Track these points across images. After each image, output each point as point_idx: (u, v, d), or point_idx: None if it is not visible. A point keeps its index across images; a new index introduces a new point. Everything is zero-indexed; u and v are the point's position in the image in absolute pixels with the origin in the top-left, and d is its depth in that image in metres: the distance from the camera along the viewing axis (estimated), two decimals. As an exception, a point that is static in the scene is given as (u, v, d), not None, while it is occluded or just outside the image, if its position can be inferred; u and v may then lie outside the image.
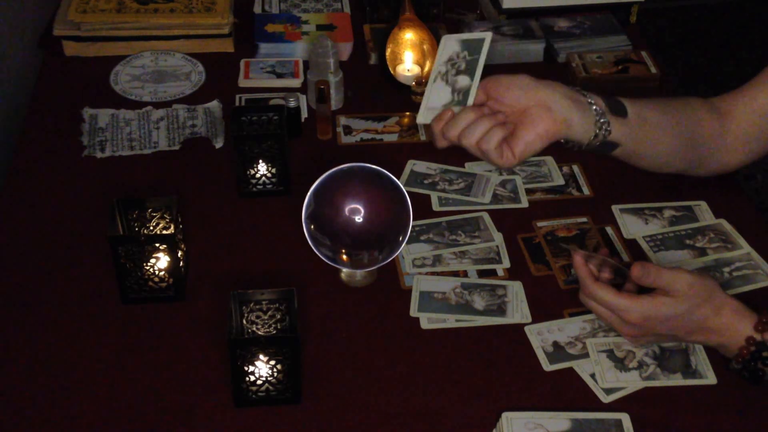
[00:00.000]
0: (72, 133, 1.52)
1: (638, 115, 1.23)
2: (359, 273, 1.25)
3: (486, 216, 1.36)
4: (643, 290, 1.10)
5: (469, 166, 1.46)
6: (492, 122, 1.16)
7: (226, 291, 1.11)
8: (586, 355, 1.15)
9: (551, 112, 1.16)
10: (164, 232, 1.23)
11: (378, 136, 1.53)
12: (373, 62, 1.71)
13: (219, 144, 1.50)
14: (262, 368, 1.08)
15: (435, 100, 1.21)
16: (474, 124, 1.16)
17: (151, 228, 1.24)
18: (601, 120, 1.19)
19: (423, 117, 1.22)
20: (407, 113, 1.58)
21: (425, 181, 1.43)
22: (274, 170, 1.39)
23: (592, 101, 1.20)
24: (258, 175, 1.39)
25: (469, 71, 1.19)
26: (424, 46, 1.62)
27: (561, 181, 1.43)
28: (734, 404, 1.10)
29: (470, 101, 1.18)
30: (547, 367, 1.14)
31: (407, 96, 1.60)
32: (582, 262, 1.12)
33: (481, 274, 1.27)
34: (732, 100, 1.31)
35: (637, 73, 1.63)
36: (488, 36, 1.21)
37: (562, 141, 1.21)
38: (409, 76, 1.62)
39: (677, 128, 1.27)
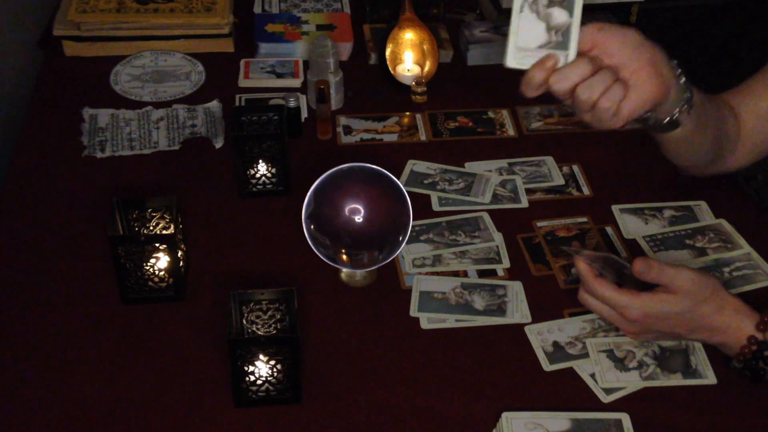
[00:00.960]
0: (72, 133, 1.52)
1: (700, 101, 1.17)
2: (359, 273, 1.25)
3: (486, 216, 1.36)
4: (644, 289, 1.10)
5: (469, 166, 1.46)
6: (612, 77, 1.03)
7: (226, 291, 1.11)
8: (586, 355, 1.15)
9: (660, 76, 1.07)
10: (164, 232, 1.23)
11: (378, 136, 1.53)
12: (373, 62, 1.71)
13: (219, 144, 1.50)
14: (261, 368, 1.08)
15: (526, 38, 1.03)
16: (593, 79, 1.03)
17: (151, 228, 1.24)
18: (688, 94, 1.13)
19: (515, 60, 1.04)
20: (407, 113, 1.58)
21: (425, 181, 1.43)
22: (274, 170, 1.39)
23: (682, 72, 1.12)
24: (258, 175, 1.39)
25: (567, 3, 1.02)
26: (424, 46, 1.62)
27: (561, 181, 1.43)
28: (734, 404, 1.10)
29: (573, 47, 1.03)
30: (547, 367, 1.14)
31: (407, 96, 1.60)
32: (582, 259, 1.11)
33: (481, 274, 1.27)
34: (736, 101, 1.30)
35: (637, 73, 1.63)
36: None
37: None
38: (409, 76, 1.62)
39: (717, 122, 1.24)
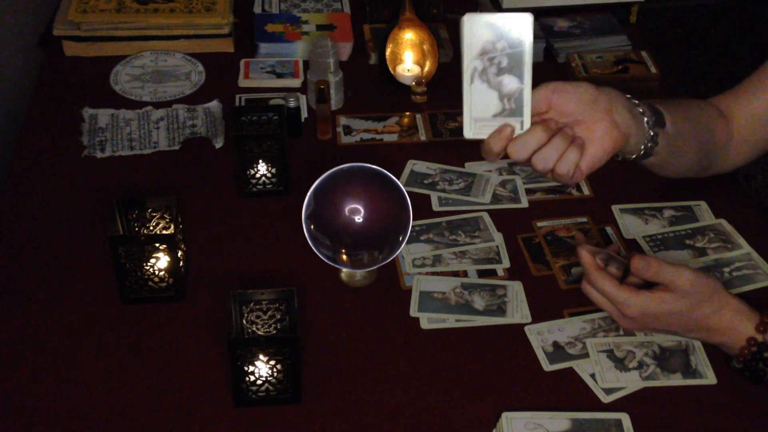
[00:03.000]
0: (72, 133, 1.52)
1: (674, 126, 1.18)
2: (359, 273, 1.25)
3: (486, 216, 1.36)
4: (647, 285, 1.10)
5: (469, 166, 1.46)
6: (567, 142, 1.05)
7: (226, 291, 1.11)
8: (586, 355, 1.15)
9: (617, 127, 1.07)
10: (164, 232, 1.23)
11: (378, 136, 1.53)
12: (373, 62, 1.71)
13: (219, 144, 1.50)
14: (262, 368, 1.08)
15: (480, 108, 1.03)
16: (548, 147, 1.04)
17: (151, 228, 1.24)
18: (651, 133, 1.13)
19: (471, 131, 1.04)
20: (407, 113, 1.58)
21: (425, 181, 1.43)
22: (274, 170, 1.39)
23: (643, 111, 1.13)
24: (258, 175, 1.39)
25: (516, 70, 1.02)
26: (424, 46, 1.62)
27: (561, 181, 1.43)
28: (734, 404, 1.10)
29: (527, 113, 1.03)
30: (547, 367, 1.14)
31: (407, 96, 1.60)
32: (586, 250, 1.11)
33: (481, 274, 1.27)
34: (730, 103, 1.30)
35: (637, 73, 1.63)
36: (528, 20, 1.00)
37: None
38: (409, 76, 1.62)
39: (700, 138, 1.25)
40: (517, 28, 1.00)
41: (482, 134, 1.04)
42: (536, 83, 1.03)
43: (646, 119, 1.13)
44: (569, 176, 1.06)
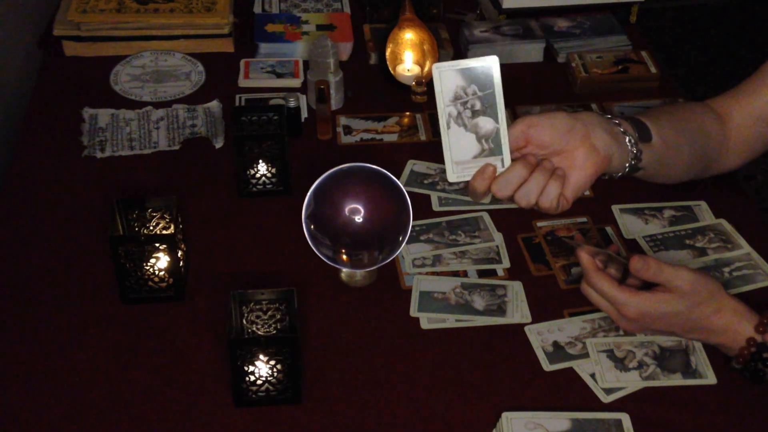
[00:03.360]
0: (72, 133, 1.52)
1: (660, 137, 1.19)
2: (359, 273, 1.25)
3: (486, 216, 1.36)
4: (647, 285, 1.10)
5: (469, 166, 1.46)
6: (547, 176, 1.07)
7: (226, 291, 1.11)
8: (586, 355, 1.15)
9: (596, 152, 1.10)
10: (164, 232, 1.23)
11: (378, 136, 1.53)
12: (373, 62, 1.71)
13: (219, 144, 1.50)
14: (262, 368, 1.08)
15: (460, 151, 1.07)
16: (529, 183, 1.07)
17: (151, 228, 1.24)
18: (634, 150, 1.15)
19: (454, 174, 1.08)
20: (407, 113, 1.58)
21: (425, 181, 1.43)
22: (274, 170, 1.39)
23: (625, 130, 1.15)
24: (258, 175, 1.39)
25: (489, 111, 1.05)
26: (424, 46, 1.62)
27: (561, 181, 1.43)
28: (734, 404, 1.10)
29: (506, 151, 1.07)
30: (547, 367, 1.14)
31: (407, 96, 1.60)
32: (586, 251, 1.11)
33: (481, 274, 1.27)
34: (728, 104, 1.30)
35: (637, 73, 1.63)
36: (495, 63, 1.05)
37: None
38: (409, 76, 1.62)
39: (693, 145, 1.25)
40: (486, 71, 1.04)
41: (465, 176, 1.08)
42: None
43: (628, 138, 1.15)
44: (553, 208, 1.09)
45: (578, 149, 1.09)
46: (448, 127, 1.06)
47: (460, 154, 1.07)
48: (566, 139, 1.09)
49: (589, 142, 1.10)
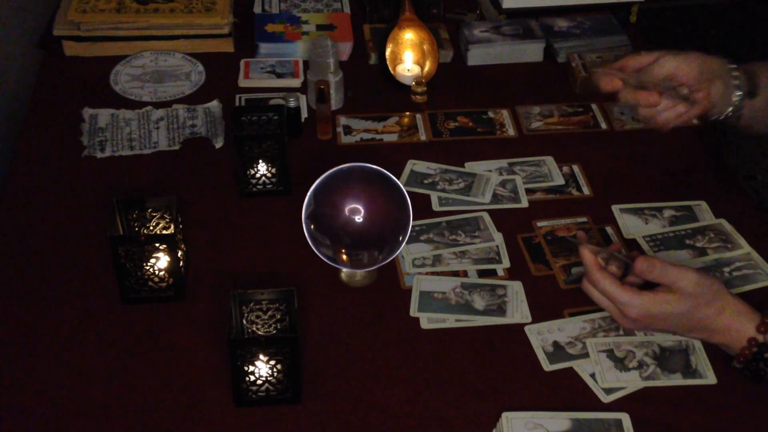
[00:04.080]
0: (72, 133, 1.52)
1: (765, 97, 1.28)
2: (359, 273, 1.25)
3: (486, 216, 1.36)
4: (647, 284, 1.10)
5: (469, 166, 1.46)
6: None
7: (226, 291, 1.11)
8: (586, 355, 1.15)
9: (709, 99, 1.26)
10: (164, 232, 1.23)
11: (378, 136, 1.53)
12: (373, 62, 1.71)
13: (219, 144, 1.50)
14: (262, 368, 1.08)
15: None
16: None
17: (151, 228, 1.24)
18: (733, 107, 1.27)
19: None
20: (407, 113, 1.58)
21: (425, 181, 1.43)
22: (274, 170, 1.39)
23: (738, 85, 1.27)
24: (258, 175, 1.39)
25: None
26: (424, 46, 1.62)
27: (561, 181, 1.43)
28: (734, 404, 1.10)
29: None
30: (547, 367, 1.14)
31: (407, 96, 1.60)
32: (588, 249, 1.11)
33: (481, 274, 1.27)
34: None
35: (637, 73, 1.63)
36: None
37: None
38: (409, 76, 1.62)
39: None
40: None
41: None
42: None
43: (737, 92, 1.27)
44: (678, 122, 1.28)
45: (699, 92, 1.26)
46: None
47: None
48: (701, 75, 1.27)
49: (707, 90, 1.25)
